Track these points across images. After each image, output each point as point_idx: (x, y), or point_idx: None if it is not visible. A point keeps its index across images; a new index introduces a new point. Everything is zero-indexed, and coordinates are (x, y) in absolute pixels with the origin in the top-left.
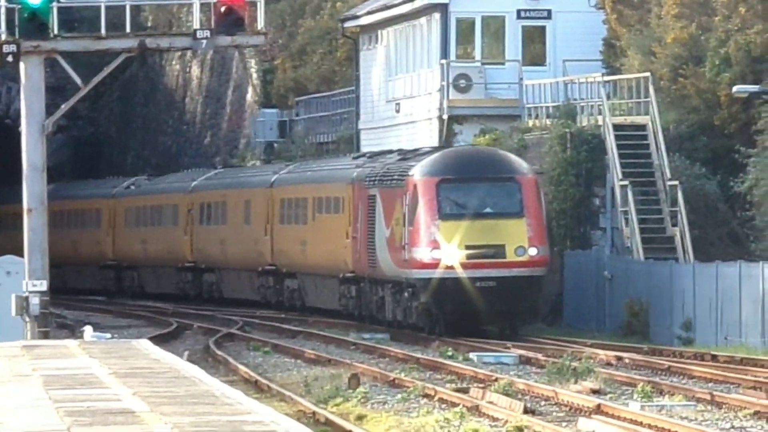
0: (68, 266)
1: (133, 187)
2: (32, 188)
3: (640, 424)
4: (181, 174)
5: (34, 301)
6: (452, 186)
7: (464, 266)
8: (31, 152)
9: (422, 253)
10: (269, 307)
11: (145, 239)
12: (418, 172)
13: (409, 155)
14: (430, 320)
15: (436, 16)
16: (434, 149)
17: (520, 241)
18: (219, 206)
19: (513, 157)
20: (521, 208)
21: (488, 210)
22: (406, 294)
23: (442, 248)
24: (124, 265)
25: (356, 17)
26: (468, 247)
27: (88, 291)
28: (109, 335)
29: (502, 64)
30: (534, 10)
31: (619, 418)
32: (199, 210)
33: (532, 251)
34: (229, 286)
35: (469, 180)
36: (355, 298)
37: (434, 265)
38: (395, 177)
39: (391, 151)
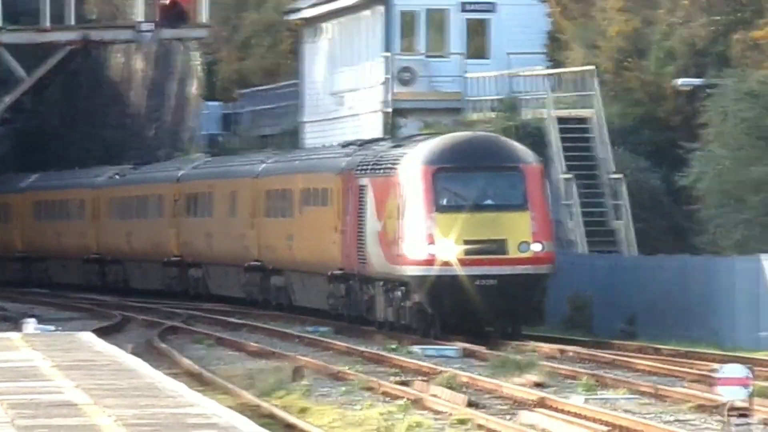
0: (52, 260)
1: (117, 177)
2: None
3: (584, 417)
4: (168, 162)
5: None
6: (449, 175)
7: (462, 263)
8: None
9: (416, 248)
10: (255, 305)
11: (129, 232)
12: (412, 159)
13: (403, 142)
14: (425, 321)
15: (380, 8)
16: (430, 135)
17: (523, 235)
18: (205, 197)
19: (516, 144)
20: (525, 199)
21: (489, 202)
22: (398, 293)
23: (438, 243)
24: (108, 259)
25: (299, 10)
26: (466, 242)
27: (73, 287)
28: (52, 327)
29: (446, 57)
30: (477, 3)
31: (562, 411)
32: (185, 201)
33: (537, 247)
34: (215, 282)
35: (468, 169)
36: (344, 297)
37: (430, 262)
38: (388, 165)
39: (383, 138)
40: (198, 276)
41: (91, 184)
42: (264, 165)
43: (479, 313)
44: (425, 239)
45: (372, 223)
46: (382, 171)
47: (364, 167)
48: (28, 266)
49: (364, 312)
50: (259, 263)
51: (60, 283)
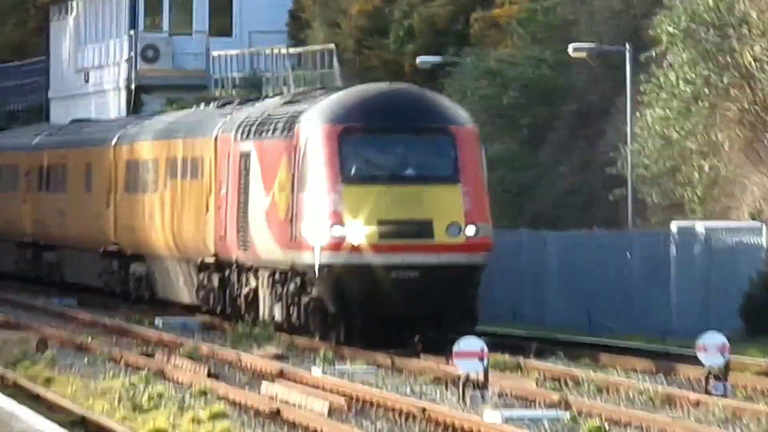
0: None
1: None
2: None
3: (322, 388)
4: (30, 127)
5: None
6: (361, 138)
7: (376, 249)
8: None
9: (317, 229)
10: (114, 296)
11: None
12: (312, 118)
13: (298, 96)
14: (326, 322)
15: None
16: (335, 89)
17: (453, 215)
18: (59, 169)
19: (445, 100)
20: (456, 170)
21: (410, 172)
22: (292, 286)
23: (346, 223)
24: None
25: None
26: (381, 223)
27: None
28: None
29: (190, 34)
30: None
31: (301, 382)
32: (38, 173)
33: (470, 230)
34: (70, 268)
35: (385, 130)
36: (217, 290)
37: (334, 247)
38: (279, 126)
39: (267, 96)
40: (53, 261)
41: None
42: (122, 131)
43: (396, 313)
44: (329, 218)
45: (257, 199)
46: (271, 133)
47: (248, 129)
48: None
49: (243, 309)
50: (117, 248)
51: None
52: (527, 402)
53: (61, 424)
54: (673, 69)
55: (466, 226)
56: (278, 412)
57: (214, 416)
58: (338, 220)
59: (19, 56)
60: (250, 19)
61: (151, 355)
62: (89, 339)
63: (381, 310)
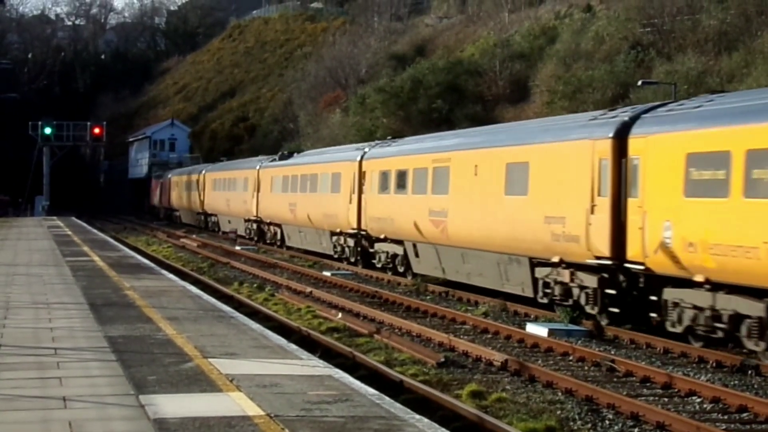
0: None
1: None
2: None
3: (196, 243)
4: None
5: None
6: None
7: None
8: None
9: None
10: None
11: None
12: None
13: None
14: None
15: None
16: None
17: None
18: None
19: None
20: None
21: None
22: None
23: None
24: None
25: None
26: None
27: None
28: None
29: (164, 151)
30: None
31: (189, 239)
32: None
33: None
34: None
35: None
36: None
37: None
38: None
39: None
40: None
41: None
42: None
43: None
44: None
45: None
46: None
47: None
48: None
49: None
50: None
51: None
52: None
53: (137, 253)
54: None
55: None
56: (184, 246)
57: (168, 248)
58: None
59: (122, 157)
60: (180, 148)
61: (179, 238)
62: (161, 234)
63: None
